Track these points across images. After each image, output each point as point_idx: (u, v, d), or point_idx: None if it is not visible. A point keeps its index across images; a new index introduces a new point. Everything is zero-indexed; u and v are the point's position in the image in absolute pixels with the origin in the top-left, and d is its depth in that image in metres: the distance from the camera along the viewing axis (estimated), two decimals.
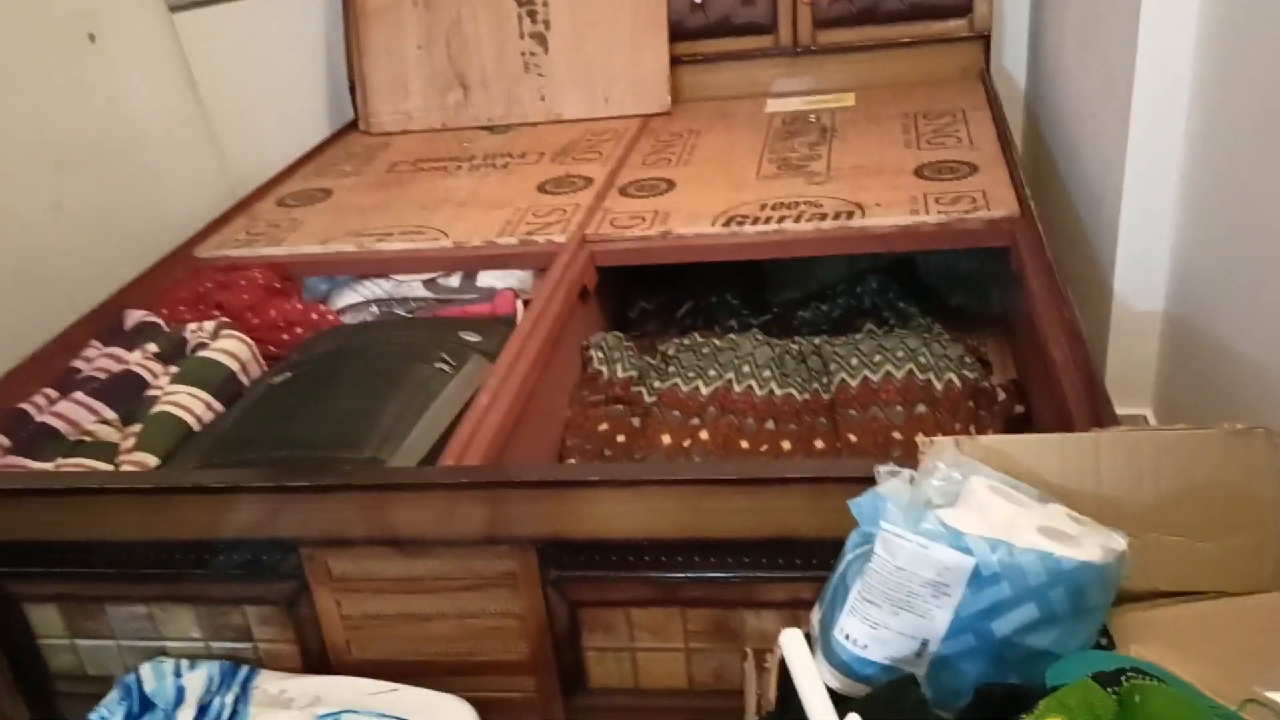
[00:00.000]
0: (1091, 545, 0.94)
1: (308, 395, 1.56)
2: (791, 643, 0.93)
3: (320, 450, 1.42)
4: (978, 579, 0.90)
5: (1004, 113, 2.42)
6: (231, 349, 1.73)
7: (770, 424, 1.82)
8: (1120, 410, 1.90)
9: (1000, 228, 1.89)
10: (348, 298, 2.01)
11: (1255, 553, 1.07)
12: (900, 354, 1.88)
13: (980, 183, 2.03)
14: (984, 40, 2.70)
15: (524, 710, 1.37)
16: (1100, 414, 1.30)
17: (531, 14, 2.66)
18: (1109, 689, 0.81)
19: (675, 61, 2.71)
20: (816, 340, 2.01)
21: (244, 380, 1.74)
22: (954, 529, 0.92)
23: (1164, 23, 1.67)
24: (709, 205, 2.08)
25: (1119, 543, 0.95)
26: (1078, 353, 1.44)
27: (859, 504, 0.98)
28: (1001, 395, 1.79)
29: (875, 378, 1.85)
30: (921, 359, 1.87)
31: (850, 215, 1.97)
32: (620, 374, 1.94)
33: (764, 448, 1.77)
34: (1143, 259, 1.83)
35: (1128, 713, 0.78)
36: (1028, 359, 1.78)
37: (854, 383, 1.85)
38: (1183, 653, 0.95)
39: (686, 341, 2.03)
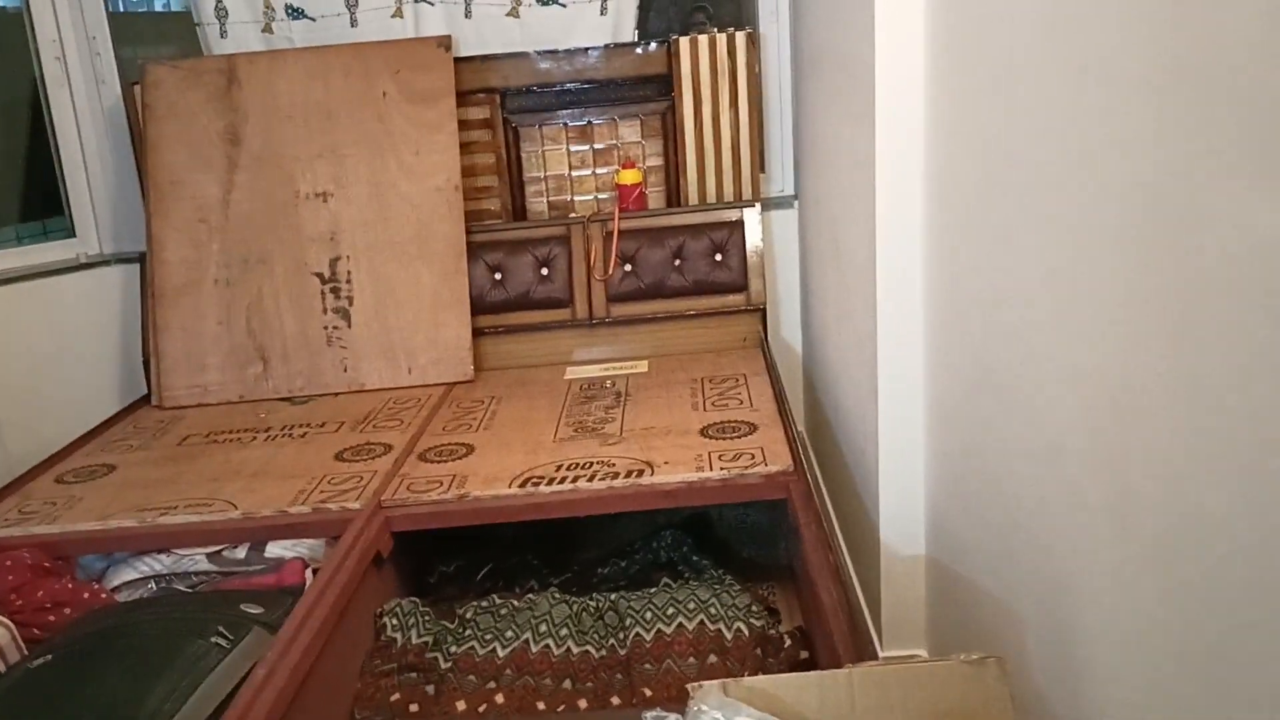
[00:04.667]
0: None
1: (68, 678, 1.47)
2: None
3: None
4: None
5: (780, 377, 2.65)
6: None
7: (567, 683, 1.81)
8: (897, 651, 2.01)
9: (776, 481, 2.03)
10: (124, 575, 1.93)
11: None
12: (692, 606, 1.94)
13: (759, 441, 2.19)
14: (761, 313, 2.97)
15: None
16: (863, 652, 1.38)
17: (335, 290, 2.77)
18: None
19: (478, 333, 2.86)
20: (613, 596, 2.04)
21: (0, 666, 1.61)
22: None
23: (896, 305, 1.92)
24: (506, 468, 2.14)
25: None
26: (842, 596, 1.54)
27: None
28: (787, 642, 1.86)
29: (669, 630, 1.89)
30: (712, 610, 1.93)
31: (640, 473, 2.07)
32: (415, 640, 1.90)
33: (561, 708, 1.75)
34: (901, 508, 2.00)
35: None
36: (807, 604, 1.87)
37: (648, 636, 1.88)
38: None
39: (484, 604, 2.03)
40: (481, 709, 1.74)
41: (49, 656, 1.56)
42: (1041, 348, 1.33)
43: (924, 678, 1.17)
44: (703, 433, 2.27)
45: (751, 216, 2.95)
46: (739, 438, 2.23)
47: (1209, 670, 0.96)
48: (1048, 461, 1.33)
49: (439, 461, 2.22)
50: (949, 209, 1.72)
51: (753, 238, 2.94)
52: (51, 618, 1.78)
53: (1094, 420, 1.18)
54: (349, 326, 2.77)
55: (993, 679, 1.16)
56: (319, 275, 2.77)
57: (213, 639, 1.53)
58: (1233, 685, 0.93)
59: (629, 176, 3.00)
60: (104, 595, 1.87)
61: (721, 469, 2.06)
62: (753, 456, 2.10)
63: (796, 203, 3.14)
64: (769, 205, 3.10)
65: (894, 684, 1.15)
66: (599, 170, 3.09)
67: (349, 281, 2.77)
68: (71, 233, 2.96)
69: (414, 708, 1.75)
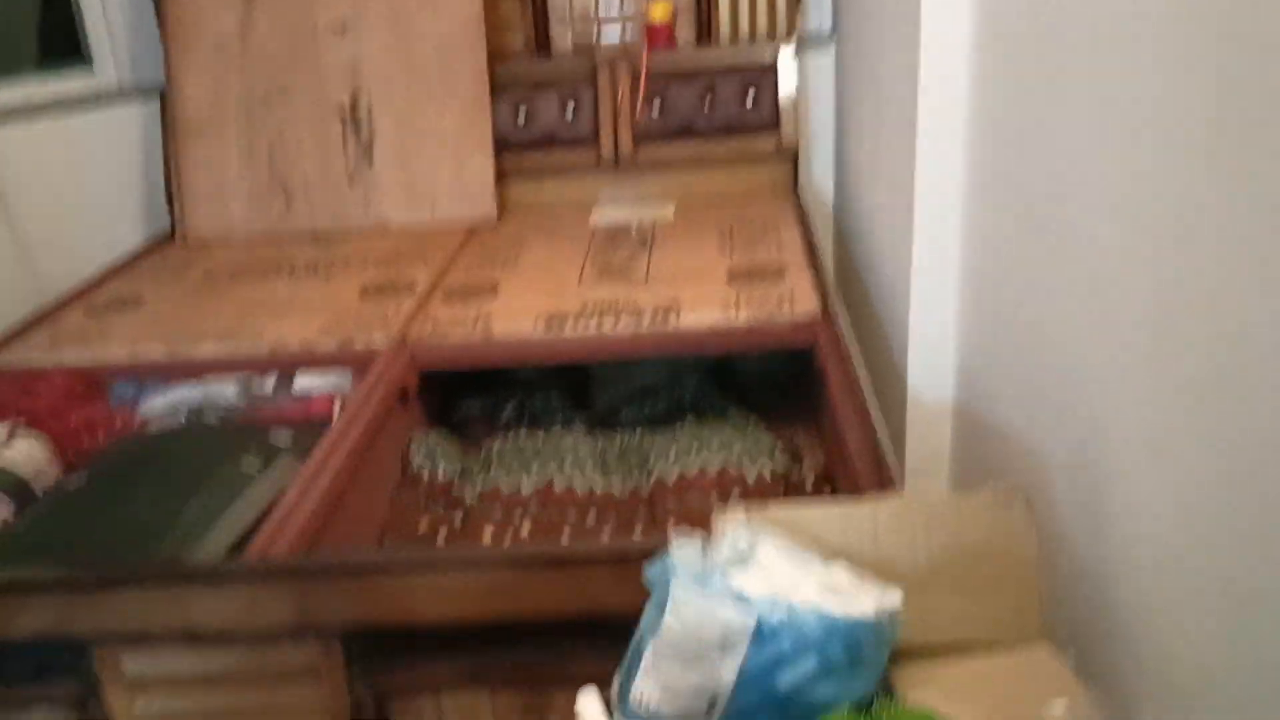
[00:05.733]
0: (867, 602, 1.00)
1: (104, 498, 1.50)
2: (587, 705, 0.94)
3: (114, 551, 1.35)
4: (760, 636, 0.94)
5: (811, 223, 2.59)
6: (24, 453, 1.65)
7: (591, 517, 1.84)
8: None
9: (804, 326, 2.00)
10: (156, 403, 1.95)
11: (1020, 609, 1.15)
12: (715, 445, 1.95)
13: (787, 285, 2.16)
14: (792, 159, 2.89)
15: None
16: (886, 489, 1.38)
17: (356, 128, 2.70)
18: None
19: (502, 174, 2.80)
20: (637, 433, 2.05)
21: (38, 487, 1.65)
22: (738, 589, 0.96)
23: (937, 143, 1.84)
24: (531, 309, 2.13)
25: (893, 599, 1.01)
26: (868, 438, 1.53)
27: (652, 570, 1.01)
28: (810, 483, 1.87)
29: (692, 470, 1.90)
30: (735, 449, 1.94)
31: (666, 312, 2.05)
32: (442, 474, 1.93)
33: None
34: (931, 353, 1.97)
35: None
36: (831, 447, 1.88)
37: (672, 474, 1.90)
38: (958, 700, 1.01)
39: (509, 440, 2.05)
40: (507, 540, 1.77)
41: (84, 479, 1.60)
42: (1087, 177, 1.28)
43: (949, 512, 1.17)
44: (730, 276, 2.24)
45: (786, 56, 2.83)
46: (767, 283, 2.19)
47: (1242, 502, 0.95)
48: (1087, 297, 1.30)
49: (464, 301, 2.21)
50: (1000, 31, 1.63)
51: (787, 78, 2.83)
52: (86, 441, 1.81)
53: (1138, 252, 1.14)
54: (370, 165, 2.72)
55: (1019, 514, 1.16)
56: (340, 111, 2.70)
57: (243, 466, 1.55)
58: (1269, 522, 0.92)
59: (659, 12, 2.87)
60: (137, 422, 1.90)
61: (749, 313, 2.03)
62: (780, 301, 2.07)
63: (834, 40, 3.01)
64: (805, 43, 2.97)
65: (918, 516, 1.15)
66: (625, 5, 2.96)
67: (370, 118, 2.70)
68: (89, 65, 2.88)
69: (441, 536, 1.78)
